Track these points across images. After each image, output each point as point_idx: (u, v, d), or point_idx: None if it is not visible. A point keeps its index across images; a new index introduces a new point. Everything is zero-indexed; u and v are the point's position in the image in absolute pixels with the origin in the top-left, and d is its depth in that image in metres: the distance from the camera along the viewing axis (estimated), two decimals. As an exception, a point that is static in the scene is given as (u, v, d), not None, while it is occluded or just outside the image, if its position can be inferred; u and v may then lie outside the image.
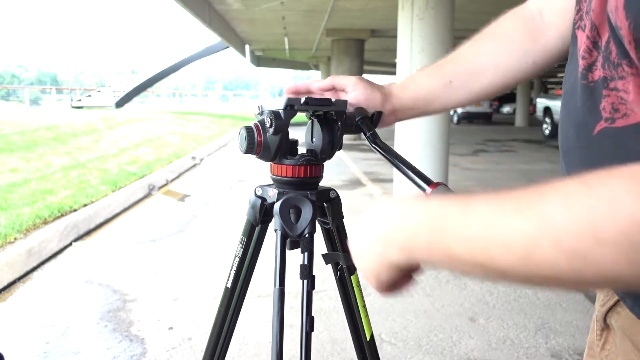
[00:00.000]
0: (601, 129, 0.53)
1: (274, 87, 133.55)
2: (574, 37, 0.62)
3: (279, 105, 0.81)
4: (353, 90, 0.87)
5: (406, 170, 0.74)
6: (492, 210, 0.40)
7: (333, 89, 0.90)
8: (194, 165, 8.77)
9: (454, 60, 0.85)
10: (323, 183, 0.93)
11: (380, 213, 0.49)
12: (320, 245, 0.89)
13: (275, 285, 0.84)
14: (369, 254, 0.49)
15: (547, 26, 0.76)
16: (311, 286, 0.84)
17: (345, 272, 0.97)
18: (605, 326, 0.67)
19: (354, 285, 0.97)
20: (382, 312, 2.81)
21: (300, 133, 0.89)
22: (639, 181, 0.35)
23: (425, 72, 0.88)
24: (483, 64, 0.83)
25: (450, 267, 0.44)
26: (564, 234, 0.36)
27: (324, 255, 0.91)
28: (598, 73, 0.54)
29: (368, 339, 1.00)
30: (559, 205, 0.37)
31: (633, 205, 0.34)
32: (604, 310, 0.67)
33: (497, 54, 0.83)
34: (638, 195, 0.35)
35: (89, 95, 25.85)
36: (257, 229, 0.93)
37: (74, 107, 22.23)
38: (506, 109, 29.16)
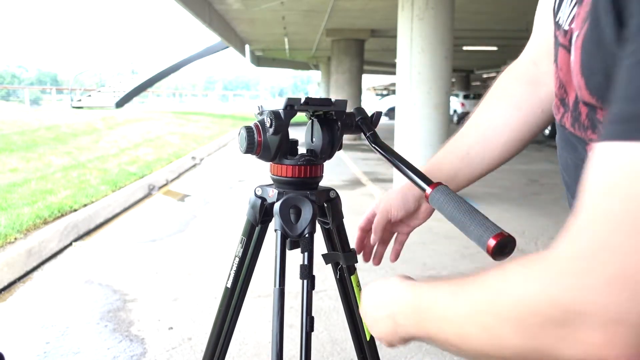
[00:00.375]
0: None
1: (274, 87, 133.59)
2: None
3: (279, 105, 0.81)
4: (384, 205, 0.86)
5: (406, 170, 0.74)
6: (448, 302, 0.49)
7: (374, 214, 0.88)
8: (194, 165, 8.77)
9: (467, 133, 0.85)
10: (323, 183, 0.93)
11: (384, 299, 0.61)
12: (320, 245, 0.89)
13: (275, 285, 0.84)
14: (382, 327, 0.61)
15: (545, 75, 0.75)
16: (311, 286, 0.84)
17: (345, 272, 0.97)
18: None
19: (354, 285, 0.97)
20: (382, 312, 2.81)
21: (300, 133, 0.89)
22: (528, 265, 0.41)
23: (444, 151, 0.87)
24: (495, 127, 0.82)
25: (435, 344, 0.54)
26: (479, 315, 0.44)
27: (324, 255, 0.91)
28: (569, 127, 0.54)
29: (368, 339, 1.00)
30: (477, 287, 0.46)
31: (518, 289, 0.41)
32: None
33: (506, 113, 0.81)
34: (523, 279, 0.41)
35: (89, 95, 25.85)
36: (257, 229, 0.93)
37: (74, 107, 22.24)
38: (506, 109, 29.13)
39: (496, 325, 0.42)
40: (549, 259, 0.39)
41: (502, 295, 0.42)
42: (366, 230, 0.87)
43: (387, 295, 0.60)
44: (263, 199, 0.91)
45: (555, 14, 0.56)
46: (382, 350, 2.48)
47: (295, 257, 0.88)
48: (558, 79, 0.56)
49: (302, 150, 0.88)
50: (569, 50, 0.50)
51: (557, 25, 0.55)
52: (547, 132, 14.64)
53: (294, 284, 0.88)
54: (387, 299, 0.60)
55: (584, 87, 0.46)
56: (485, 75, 29.04)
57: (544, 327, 0.38)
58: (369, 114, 0.87)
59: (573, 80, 0.49)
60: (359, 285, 0.98)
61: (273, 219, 0.87)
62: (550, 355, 0.39)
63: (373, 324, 0.63)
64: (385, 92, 49.91)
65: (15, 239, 3.75)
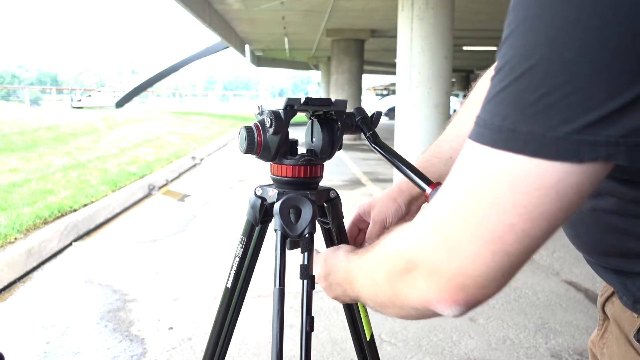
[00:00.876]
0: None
1: (274, 87, 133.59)
2: None
3: (279, 105, 0.81)
4: (378, 214, 0.88)
5: (406, 170, 0.74)
6: (359, 263, 0.66)
7: (360, 218, 0.91)
8: (194, 165, 8.77)
9: (449, 137, 0.87)
10: (323, 183, 0.93)
11: (333, 269, 0.74)
12: (320, 245, 0.89)
13: (275, 285, 0.84)
14: (336, 291, 0.74)
15: None
16: (311, 286, 0.84)
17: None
18: (605, 316, 0.71)
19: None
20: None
21: (300, 133, 0.89)
22: (404, 226, 0.53)
23: (428, 155, 0.88)
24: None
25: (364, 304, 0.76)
26: (370, 270, 0.61)
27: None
28: None
29: (368, 339, 1.00)
30: (375, 248, 0.60)
31: (390, 245, 0.55)
32: (602, 301, 0.71)
33: None
34: (396, 237, 0.54)
35: (89, 95, 25.85)
36: (257, 229, 0.93)
37: (74, 107, 22.24)
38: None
39: (375, 274, 0.58)
40: (410, 225, 0.51)
41: (381, 250, 0.57)
42: (353, 237, 0.93)
43: (335, 266, 0.73)
44: (263, 199, 0.91)
45: None
46: (382, 350, 2.48)
47: (295, 257, 0.89)
48: None
49: (302, 150, 0.88)
50: None
51: None
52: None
53: (294, 284, 0.88)
54: (335, 269, 0.73)
55: None
56: (485, 75, 28.99)
57: (398, 274, 0.51)
58: (369, 114, 0.87)
59: None
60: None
61: (273, 219, 0.87)
62: (404, 299, 0.52)
63: (328, 289, 0.76)
64: (385, 92, 49.89)
65: (15, 239, 3.75)
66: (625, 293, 0.62)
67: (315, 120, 0.86)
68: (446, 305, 0.47)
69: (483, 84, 0.84)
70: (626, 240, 0.57)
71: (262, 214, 0.91)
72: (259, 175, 7.04)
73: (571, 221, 0.54)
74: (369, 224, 0.90)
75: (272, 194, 0.89)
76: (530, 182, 0.40)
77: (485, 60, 21.84)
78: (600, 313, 0.72)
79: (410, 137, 5.80)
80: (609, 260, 0.62)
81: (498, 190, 0.41)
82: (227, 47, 17.51)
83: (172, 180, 7.14)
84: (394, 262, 0.52)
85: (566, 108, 0.38)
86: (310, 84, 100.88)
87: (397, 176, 5.75)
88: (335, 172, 7.84)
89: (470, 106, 0.86)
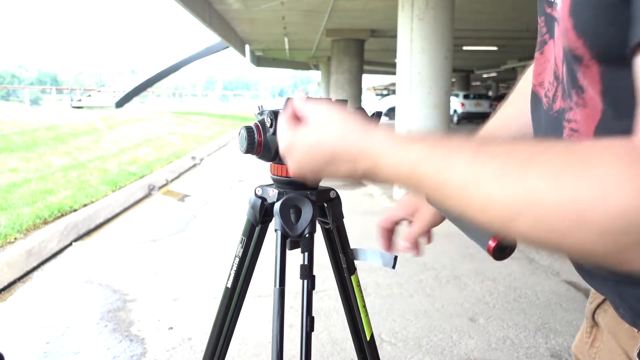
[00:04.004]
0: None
1: (274, 87, 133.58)
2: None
3: (279, 105, 0.81)
4: (430, 216, 0.87)
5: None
6: (474, 168, 0.41)
7: (399, 216, 0.89)
8: (194, 165, 8.77)
9: (506, 125, 0.80)
10: (323, 183, 0.93)
11: (350, 145, 0.54)
12: (320, 245, 0.89)
13: (275, 285, 0.84)
14: (337, 169, 0.56)
15: None
16: (311, 286, 0.84)
17: (345, 272, 0.97)
18: (594, 323, 0.68)
19: (354, 285, 0.97)
20: (382, 312, 2.81)
21: (300, 133, 0.88)
22: (633, 163, 0.34)
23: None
24: (520, 125, 0.76)
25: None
26: (546, 211, 0.36)
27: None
28: (559, 104, 0.55)
29: (368, 339, 1.00)
30: (545, 178, 0.37)
31: (625, 192, 0.33)
32: (592, 308, 0.67)
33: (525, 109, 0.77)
34: (632, 180, 0.33)
35: (89, 95, 25.84)
36: (257, 229, 0.93)
37: (74, 107, 22.23)
38: (506, 109, 29.11)
39: (571, 228, 0.36)
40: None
41: (595, 198, 0.34)
42: (386, 229, 0.89)
43: (350, 154, 0.53)
44: (263, 199, 0.91)
45: None
46: (382, 350, 2.48)
47: (295, 257, 0.89)
48: (553, 54, 0.56)
49: (302, 150, 0.88)
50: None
51: (549, 2, 0.55)
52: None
53: (294, 284, 0.88)
54: (348, 157, 0.53)
55: (571, 30, 0.46)
56: (485, 75, 29.02)
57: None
58: (369, 114, 0.87)
59: (561, 28, 0.49)
60: (359, 285, 0.98)
61: (273, 219, 0.87)
62: (628, 263, 0.35)
63: (299, 150, 0.57)
64: (385, 92, 49.88)
65: (15, 239, 3.75)
66: (623, 306, 0.58)
67: (315, 120, 0.86)
68: None
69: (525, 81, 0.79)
70: None
71: (262, 214, 0.91)
72: (259, 175, 7.04)
73: None
74: (404, 221, 0.88)
75: (272, 194, 0.89)
76: None
77: (485, 60, 21.84)
78: (589, 320, 0.68)
79: (410, 137, 5.80)
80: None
81: None
82: (227, 47, 17.51)
83: (172, 180, 7.14)
84: (635, 223, 0.33)
85: None
86: (310, 84, 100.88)
87: (397, 176, 5.76)
88: (335, 172, 7.84)
89: (516, 99, 0.79)
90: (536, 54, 0.63)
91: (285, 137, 0.60)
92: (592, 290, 0.68)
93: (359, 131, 0.53)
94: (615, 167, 0.34)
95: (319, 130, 0.56)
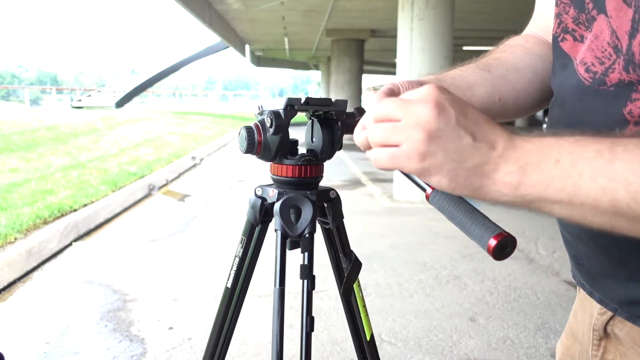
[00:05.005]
0: (632, 134, 0.52)
1: (274, 87, 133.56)
2: (558, 50, 0.63)
3: (279, 105, 0.81)
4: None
5: (406, 170, 0.74)
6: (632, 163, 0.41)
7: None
8: (194, 165, 8.77)
9: (482, 58, 0.75)
10: (323, 183, 0.93)
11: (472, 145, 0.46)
12: (320, 245, 0.89)
13: (275, 285, 0.84)
14: (459, 178, 0.49)
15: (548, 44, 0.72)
16: (311, 286, 0.84)
17: (345, 272, 0.97)
18: (605, 335, 0.65)
19: (354, 285, 0.97)
20: (382, 312, 2.81)
21: (300, 133, 0.89)
22: None
23: (457, 67, 0.74)
24: (517, 62, 0.73)
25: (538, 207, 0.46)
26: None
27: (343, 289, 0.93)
28: (617, 76, 0.54)
29: (368, 339, 1.00)
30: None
31: None
32: (604, 320, 0.65)
33: (526, 55, 0.74)
34: None
35: (89, 95, 25.85)
36: (257, 229, 0.93)
37: (74, 107, 22.24)
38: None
39: None
40: None
41: None
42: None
43: (478, 142, 0.45)
44: (263, 199, 0.91)
45: None
46: (382, 350, 2.48)
47: (295, 257, 0.89)
48: (609, 26, 0.55)
49: (302, 150, 0.88)
50: None
51: None
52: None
53: (294, 284, 0.88)
54: (477, 147, 0.45)
55: None
56: (485, 75, 28.97)
57: None
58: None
59: (631, 5, 0.49)
60: (359, 285, 0.98)
61: (273, 219, 0.87)
62: None
63: (439, 156, 0.46)
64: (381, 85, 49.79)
65: (15, 239, 3.75)
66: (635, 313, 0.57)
67: (315, 120, 0.86)
68: None
69: (525, 37, 0.77)
70: None
71: (262, 214, 0.91)
72: (259, 175, 7.04)
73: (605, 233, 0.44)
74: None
75: (272, 194, 0.89)
76: None
77: (485, 60, 21.81)
78: (598, 332, 0.66)
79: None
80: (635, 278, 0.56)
81: None
82: (227, 47, 17.51)
83: (172, 180, 7.14)
84: None
85: None
86: (310, 84, 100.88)
87: (397, 176, 5.75)
88: (335, 172, 7.84)
89: (513, 47, 0.75)
90: (561, 35, 0.61)
91: (421, 147, 0.46)
92: (598, 307, 0.66)
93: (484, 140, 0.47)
94: None
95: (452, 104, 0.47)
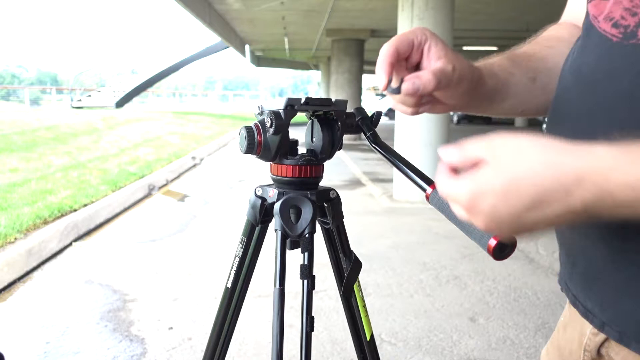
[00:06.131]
0: None
1: (274, 87, 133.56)
2: (588, 13, 0.59)
3: (279, 105, 0.81)
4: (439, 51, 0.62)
5: (406, 170, 0.74)
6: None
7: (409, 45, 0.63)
8: (194, 165, 8.77)
9: (531, 55, 0.70)
10: (323, 183, 0.93)
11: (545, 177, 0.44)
12: (320, 245, 0.89)
13: (275, 285, 0.84)
14: (551, 212, 0.45)
15: None
16: (311, 286, 0.84)
17: (345, 272, 0.97)
18: (598, 356, 0.62)
19: (354, 285, 0.97)
20: (382, 312, 2.81)
21: (300, 133, 0.89)
22: None
23: (506, 61, 0.69)
24: (560, 64, 0.67)
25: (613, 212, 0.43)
26: None
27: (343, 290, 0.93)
28: None
29: (368, 339, 1.00)
30: None
31: None
32: (598, 341, 0.61)
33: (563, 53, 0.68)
34: None
35: (89, 95, 25.87)
36: (257, 229, 0.93)
37: (74, 107, 22.24)
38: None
39: None
40: None
41: None
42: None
43: (563, 185, 0.42)
44: (263, 199, 0.91)
45: None
46: (382, 350, 2.48)
47: (295, 257, 0.89)
48: None
49: (302, 150, 0.88)
50: None
51: None
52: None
53: (294, 284, 0.88)
54: (561, 189, 0.42)
55: None
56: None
57: None
58: (369, 114, 0.86)
59: None
60: (359, 285, 0.98)
61: (273, 219, 0.87)
62: None
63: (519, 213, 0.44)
64: (385, 92, 49.79)
65: (15, 239, 3.75)
66: (629, 330, 0.53)
67: (315, 120, 0.86)
68: None
69: (557, 30, 0.73)
70: None
71: (262, 214, 0.91)
72: (259, 175, 7.04)
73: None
74: (414, 56, 0.63)
75: (272, 194, 0.89)
76: None
77: (485, 60, 21.81)
78: (590, 353, 0.62)
79: (410, 137, 5.80)
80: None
81: None
82: (227, 47, 17.51)
83: (172, 180, 7.14)
84: None
85: None
86: (310, 84, 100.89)
87: (397, 176, 5.75)
88: (335, 172, 7.84)
89: (550, 40, 0.71)
90: None
91: (463, 190, 0.46)
92: (590, 329, 0.62)
93: (570, 152, 0.43)
94: None
95: (511, 166, 0.44)
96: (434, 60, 0.61)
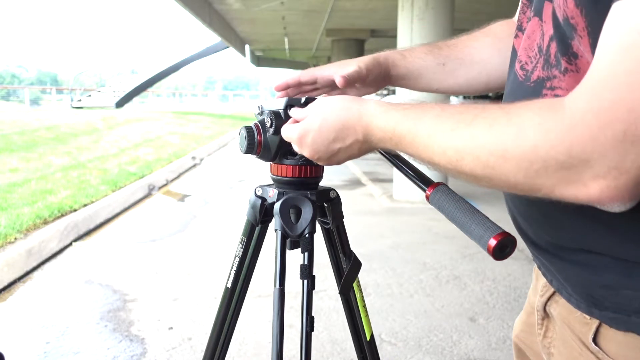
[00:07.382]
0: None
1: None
2: (513, 47, 0.68)
3: (279, 105, 0.81)
4: (339, 69, 0.85)
5: (406, 170, 0.74)
6: (437, 124, 0.55)
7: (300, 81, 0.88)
8: (194, 165, 8.77)
9: (452, 45, 0.88)
10: (323, 183, 0.93)
11: (348, 124, 0.65)
12: (320, 245, 0.89)
13: (275, 285, 0.84)
14: (348, 152, 0.68)
15: None
16: (311, 286, 0.84)
17: (345, 272, 0.97)
18: (545, 315, 0.69)
19: (354, 285, 0.97)
20: (382, 312, 2.81)
21: (300, 133, 0.88)
22: (542, 115, 0.45)
23: (424, 49, 0.89)
24: (474, 57, 0.86)
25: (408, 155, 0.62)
26: (482, 151, 0.50)
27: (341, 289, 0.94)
28: (537, 74, 0.58)
29: (368, 339, 1.00)
30: (483, 128, 0.50)
31: (533, 135, 0.45)
32: (543, 300, 0.69)
33: (488, 50, 0.86)
34: (538, 127, 0.45)
35: (89, 95, 25.87)
36: (257, 229, 0.93)
37: (74, 107, 22.24)
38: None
39: (498, 163, 0.48)
40: (565, 111, 0.44)
41: (514, 140, 0.47)
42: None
43: (351, 121, 0.64)
44: (263, 199, 0.91)
45: None
46: (382, 350, 2.48)
47: (295, 257, 0.89)
48: (540, 27, 0.59)
49: (302, 150, 0.88)
50: None
51: None
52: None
53: (294, 284, 0.88)
54: (351, 124, 0.64)
55: (578, 15, 0.48)
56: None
57: (549, 169, 0.45)
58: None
59: (560, 13, 0.51)
60: (359, 285, 0.98)
61: (273, 219, 0.87)
62: (544, 191, 0.47)
63: (318, 144, 0.67)
64: (385, 92, 49.85)
65: (15, 239, 3.75)
66: (580, 293, 0.59)
67: (315, 120, 0.86)
68: (619, 203, 0.43)
69: (502, 24, 0.87)
70: (606, 233, 0.54)
71: (262, 214, 0.91)
72: (259, 175, 7.04)
73: (543, 201, 0.50)
74: (306, 86, 0.87)
75: (272, 194, 0.89)
76: None
77: (485, 60, 21.81)
78: (540, 312, 0.70)
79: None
80: (573, 252, 0.59)
81: None
82: (227, 47, 17.51)
83: (172, 180, 7.14)
84: (544, 158, 0.44)
85: None
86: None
87: (397, 176, 5.75)
88: (335, 172, 7.84)
89: (482, 35, 0.88)
90: (516, 32, 0.67)
91: (295, 131, 0.70)
92: (541, 284, 0.70)
93: (356, 101, 0.64)
94: (531, 117, 0.46)
95: (323, 111, 0.67)
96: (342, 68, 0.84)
